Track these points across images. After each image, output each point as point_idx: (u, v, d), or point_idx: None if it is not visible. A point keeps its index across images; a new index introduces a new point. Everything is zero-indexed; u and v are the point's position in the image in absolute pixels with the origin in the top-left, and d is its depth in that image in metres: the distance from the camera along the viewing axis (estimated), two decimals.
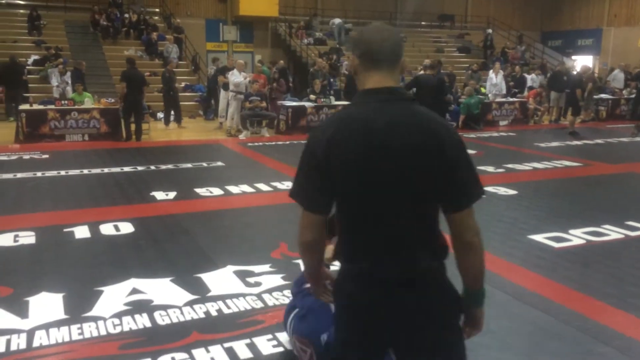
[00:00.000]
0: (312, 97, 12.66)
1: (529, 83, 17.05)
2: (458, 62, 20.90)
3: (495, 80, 15.23)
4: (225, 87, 12.66)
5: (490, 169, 8.60)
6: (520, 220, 5.81)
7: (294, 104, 12.58)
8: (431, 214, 1.68)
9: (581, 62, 21.15)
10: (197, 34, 20.65)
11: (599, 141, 12.00)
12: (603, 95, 16.18)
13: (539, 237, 5.23)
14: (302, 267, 1.99)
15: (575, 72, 15.16)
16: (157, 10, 21.11)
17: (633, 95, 15.65)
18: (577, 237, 5.24)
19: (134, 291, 4.01)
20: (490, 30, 23.11)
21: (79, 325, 3.49)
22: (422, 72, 12.06)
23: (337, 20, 21.72)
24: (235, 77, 12.17)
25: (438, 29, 25.13)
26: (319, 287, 1.97)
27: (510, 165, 8.86)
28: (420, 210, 1.66)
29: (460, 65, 19.96)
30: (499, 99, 14.71)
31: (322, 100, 12.54)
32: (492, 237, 5.10)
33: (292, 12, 22.59)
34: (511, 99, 15.16)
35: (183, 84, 16.29)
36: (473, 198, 1.67)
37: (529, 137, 12.64)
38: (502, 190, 7.13)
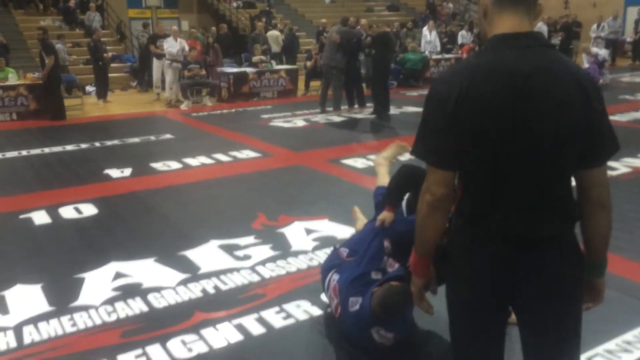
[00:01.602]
0: (255, 59, 12.26)
1: (459, 40, 17.38)
2: (389, 20, 20.93)
3: (429, 37, 15.39)
4: (159, 56, 12.07)
5: None
6: None
7: (235, 70, 12.20)
8: (570, 171, 1.58)
9: None
10: (117, 0, 19.46)
11: None
12: None
13: None
14: (418, 237, 1.70)
15: None
16: None
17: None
18: None
19: (118, 275, 3.79)
20: None
21: (69, 317, 3.28)
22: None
23: None
24: (170, 45, 11.60)
25: None
26: (427, 272, 1.75)
27: None
28: (562, 164, 1.55)
29: (390, 23, 20.00)
30: (435, 56, 14.92)
31: (263, 65, 12.22)
32: None
33: None
34: (447, 55, 15.42)
35: (110, 54, 15.39)
36: (612, 152, 1.60)
37: None
38: None
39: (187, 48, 11.72)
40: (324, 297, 3.34)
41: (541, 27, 18.24)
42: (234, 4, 20.12)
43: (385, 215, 2.86)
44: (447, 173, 1.58)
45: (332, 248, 3.28)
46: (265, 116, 10.06)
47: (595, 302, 1.74)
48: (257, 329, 3.08)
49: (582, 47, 13.15)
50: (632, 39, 18.19)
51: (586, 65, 12.29)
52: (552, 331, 1.65)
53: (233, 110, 10.95)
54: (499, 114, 1.50)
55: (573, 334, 1.69)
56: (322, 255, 3.97)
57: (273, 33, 14.85)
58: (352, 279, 2.78)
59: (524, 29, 1.56)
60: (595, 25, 17.58)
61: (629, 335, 2.93)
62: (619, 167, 5.96)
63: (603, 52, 13.28)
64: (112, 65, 14.60)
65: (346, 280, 2.81)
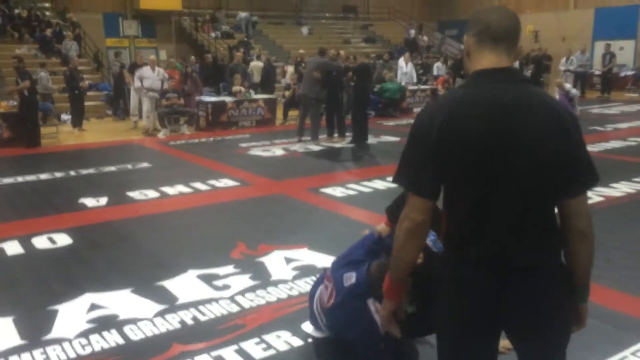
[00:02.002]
0: (235, 88, 12.31)
1: (434, 72, 17.75)
2: (365, 52, 21.30)
3: (405, 69, 15.67)
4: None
5: None
6: None
7: (214, 99, 12.21)
8: (552, 200, 1.63)
9: None
10: (95, 29, 19.45)
11: None
12: None
13: None
14: (394, 264, 1.74)
15: None
16: (48, 5, 19.66)
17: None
18: None
19: (94, 307, 3.70)
20: (413, 31, 23.75)
21: (41, 350, 3.17)
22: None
23: (244, 14, 21.40)
24: (146, 75, 11.58)
25: (343, 21, 25.46)
26: (398, 298, 1.81)
27: None
28: (543, 195, 1.59)
29: (368, 55, 20.33)
30: (411, 87, 15.18)
31: (242, 94, 12.26)
32: None
33: (196, 6, 21.97)
34: (423, 87, 15.70)
35: (87, 83, 15.32)
36: (592, 183, 1.64)
37: None
38: None
39: (166, 77, 11.75)
40: (304, 327, 3.31)
41: None
42: (213, 35, 20.28)
43: (382, 228, 2.95)
44: (427, 201, 1.63)
45: (312, 277, 3.27)
46: (244, 145, 10.06)
47: (578, 326, 1.78)
48: None
49: (556, 82, 13.62)
50: (600, 72, 18.76)
51: (557, 96, 12.64)
52: (541, 355, 1.70)
53: (211, 139, 10.93)
54: (479, 146, 1.55)
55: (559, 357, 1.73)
56: (303, 285, 3.95)
57: (257, 64, 15.07)
58: (347, 262, 2.87)
59: (503, 64, 1.62)
60: (564, 59, 18.11)
61: None
62: (592, 196, 6.07)
63: (574, 91, 13.72)
64: (89, 93, 14.53)
65: (341, 265, 2.90)
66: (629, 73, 20.00)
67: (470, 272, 1.63)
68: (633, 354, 3.04)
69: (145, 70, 11.70)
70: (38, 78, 11.56)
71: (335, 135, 10.37)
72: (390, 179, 7.10)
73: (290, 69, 15.17)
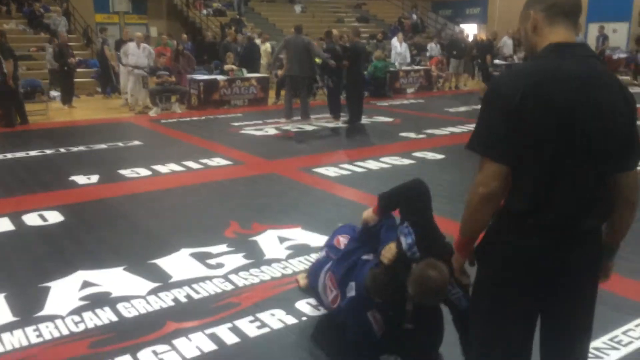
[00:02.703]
0: (227, 67, 12.18)
1: (428, 52, 17.64)
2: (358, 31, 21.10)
3: (399, 49, 15.57)
4: (119, 60, 11.94)
5: (412, 135, 8.83)
6: (458, 183, 5.95)
7: (206, 77, 12.08)
8: (614, 171, 1.73)
9: (469, 30, 22.36)
10: (84, 4, 19.10)
11: None
12: (496, 61, 17.09)
13: None
14: (467, 223, 1.77)
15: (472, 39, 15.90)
16: None
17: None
18: None
19: (86, 284, 3.68)
20: (415, 16, 23.51)
21: (34, 327, 3.16)
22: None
23: None
24: (132, 52, 11.42)
25: None
26: (468, 253, 1.86)
27: (430, 131, 9.12)
28: (606, 165, 1.69)
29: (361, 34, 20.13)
30: (405, 67, 15.10)
31: (234, 72, 12.14)
32: (440, 201, 5.20)
33: None
34: (416, 67, 15.61)
35: (77, 59, 15.08)
36: None
37: (437, 103, 13.11)
38: (430, 155, 7.34)
39: (153, 53, 11.59)
40: (298, 306, 3.32)
41: (506, 41, 18.66)
42: (204, 12, 20.00)
43: (368, 215, 2.95)
44: (503, 167, 1.65)
45: (306, 256, 3.28)
46: (236, 124, 9.99)
47: (606, 278, 1.97)
48: (231, 339, 3.03)
49: None
50: None
51: None
52: (581, 318, 1.86)
53: (203, 117, 10.84)
54: (559, 115, 1.61)
55: (592, 320, 1.91)
56: (296, 264, 3.95)
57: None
58: (347, 269, 2.86)
59: (573, 39, 1.71)
60: None
61: (598, 342, 2.99)
62: None
63: None
64: (78, 70, 14.31)
65: (342, 270, 2.89)
66: (622, 56, 19.97)
67: (536, 238, 1.69)
68: (624, 333, 3.09)
69: (131, 47, 11.53)
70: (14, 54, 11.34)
71: (330, 115, 10.30)
72: (383, 159, 7.11)
73: (263, 47, 14.89)
